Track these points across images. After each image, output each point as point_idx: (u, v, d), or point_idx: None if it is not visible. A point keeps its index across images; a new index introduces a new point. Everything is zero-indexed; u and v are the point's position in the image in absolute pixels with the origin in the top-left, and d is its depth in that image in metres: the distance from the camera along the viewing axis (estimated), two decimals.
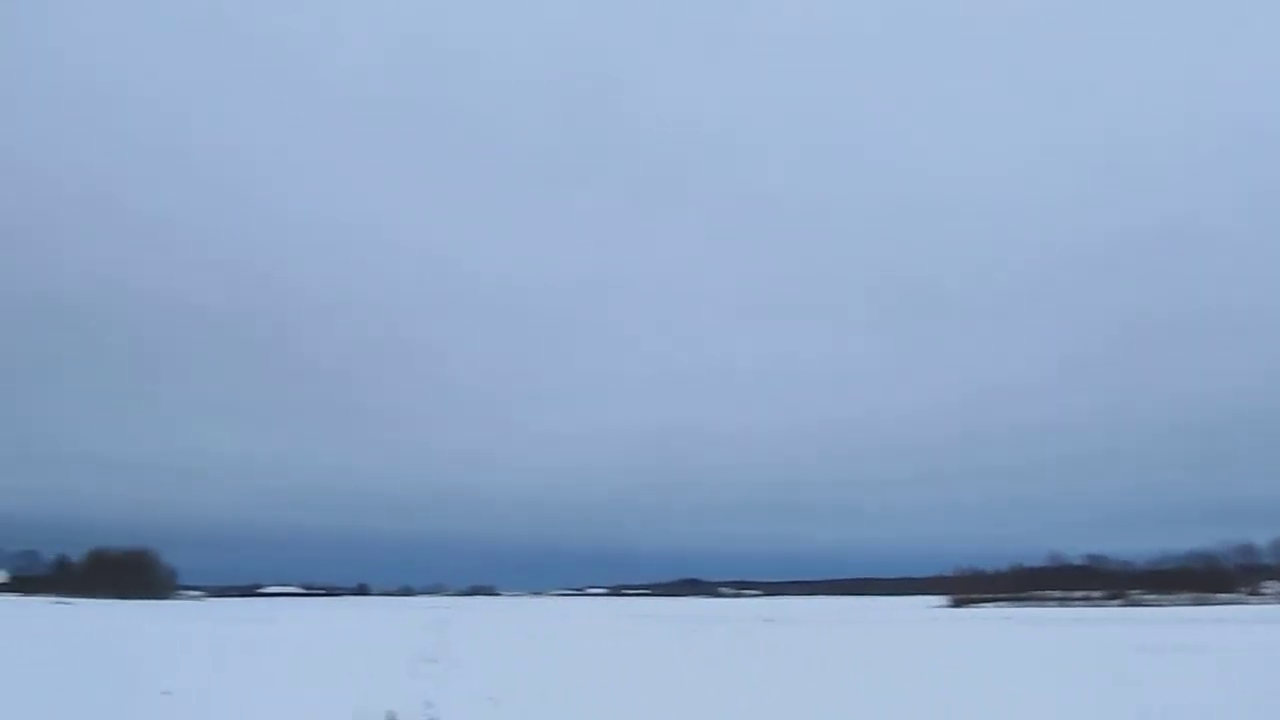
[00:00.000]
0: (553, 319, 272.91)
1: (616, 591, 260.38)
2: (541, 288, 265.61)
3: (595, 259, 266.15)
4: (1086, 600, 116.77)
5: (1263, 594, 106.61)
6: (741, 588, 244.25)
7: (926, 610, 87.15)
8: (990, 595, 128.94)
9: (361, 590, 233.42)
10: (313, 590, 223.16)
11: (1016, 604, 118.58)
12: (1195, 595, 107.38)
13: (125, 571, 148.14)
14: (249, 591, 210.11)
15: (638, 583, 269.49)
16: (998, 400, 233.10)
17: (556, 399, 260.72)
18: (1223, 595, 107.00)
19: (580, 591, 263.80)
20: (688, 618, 66.61)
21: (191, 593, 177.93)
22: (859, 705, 16.30)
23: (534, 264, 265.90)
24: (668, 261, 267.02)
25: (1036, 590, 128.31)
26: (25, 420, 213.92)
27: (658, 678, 21.21)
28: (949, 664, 25.09)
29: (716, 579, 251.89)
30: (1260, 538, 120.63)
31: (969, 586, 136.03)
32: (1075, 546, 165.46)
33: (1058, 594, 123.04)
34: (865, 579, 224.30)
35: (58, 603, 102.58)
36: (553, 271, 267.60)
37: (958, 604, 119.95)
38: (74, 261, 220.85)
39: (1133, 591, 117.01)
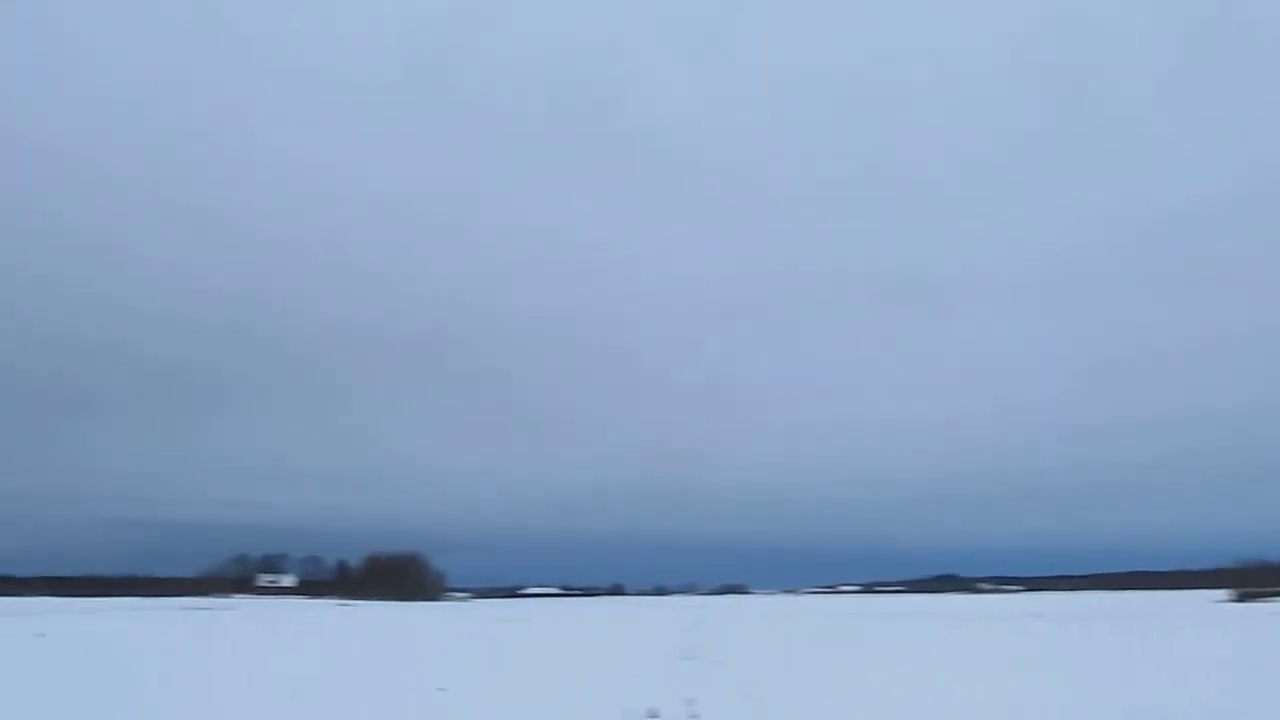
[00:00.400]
0: (779, 312, 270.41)
1: (870, 589, 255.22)
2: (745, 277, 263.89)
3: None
4: None
5: None
6: (1002, 583, 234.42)
7: (1210, 605, 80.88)
8: None
9: (616, 590, 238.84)
10: (570, 591, 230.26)
11: None
12: None
13: (398, 575, 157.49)
14: (511, 593, 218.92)
15: (892, 579, 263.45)
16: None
17: (802, 393, 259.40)
18: None
19: (833, 589, 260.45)
20: (945, 615, 64.50)
21: (458, 594, 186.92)
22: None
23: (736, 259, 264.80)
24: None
25: None
26: (312, 439, 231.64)
27: (918, 675, 20.60)
28: (1251, 661, 23.19)
29: (975, 574, 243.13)
30: None
31: (1256, 579, 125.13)
32: None
33: None
34: (1137, 572, 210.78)
35: (339, 604, 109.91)
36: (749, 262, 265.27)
37: (1243, 598, 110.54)
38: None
39: None
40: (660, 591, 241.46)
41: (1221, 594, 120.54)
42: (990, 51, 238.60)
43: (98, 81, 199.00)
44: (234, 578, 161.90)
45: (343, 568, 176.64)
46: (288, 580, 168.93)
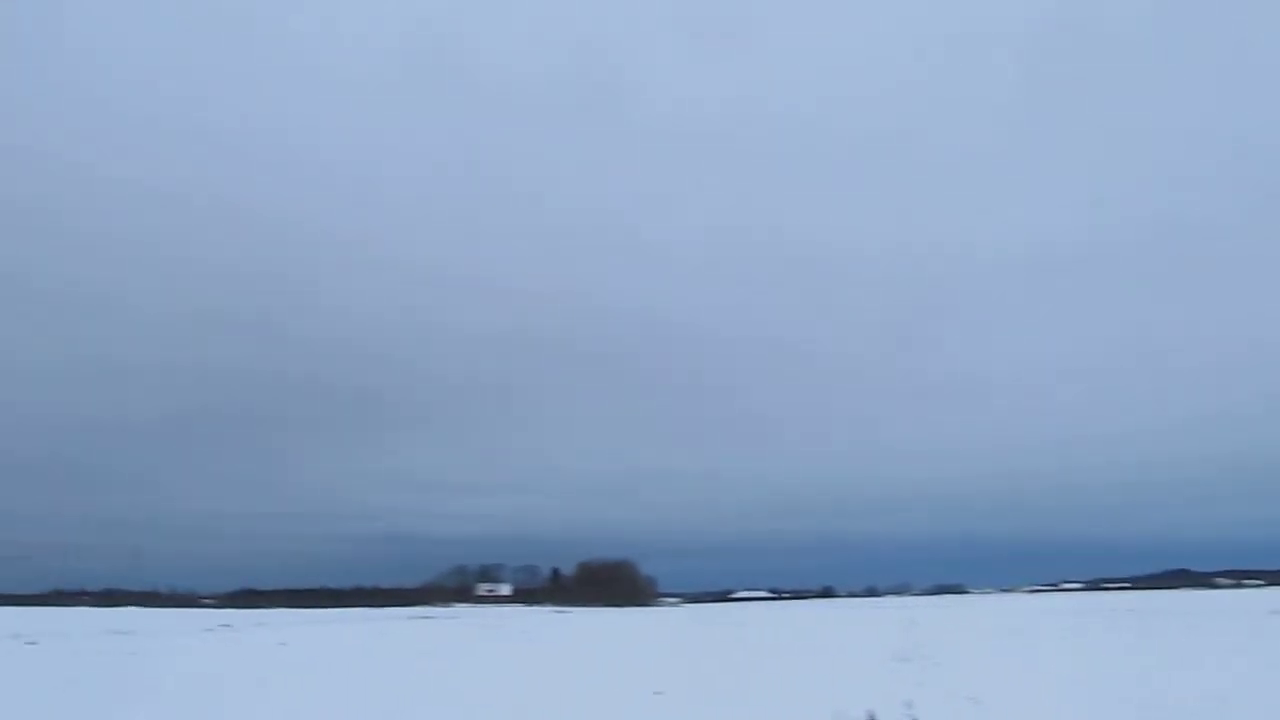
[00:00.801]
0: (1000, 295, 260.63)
1: (1095, 586, 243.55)
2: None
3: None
4: None
5: None
6: (1242, 577, 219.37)
7: None
8: None
9: (826, 592, 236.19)
10: (780, 594, 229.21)
11: None
12: None
13: (609, 581, 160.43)
14: (721, 597, 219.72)
15: (1119, 575, 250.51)
16: None
17: (1014, 383, 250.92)
18: None
19: (1055, 587, 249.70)
20: (1179, 612, 60.93)
21: (669, 599, 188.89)
22: None
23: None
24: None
25: None
26: (525, 453, 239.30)
27: (1145, 674, 19.63)
28: None
29: (1211, 569, 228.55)
30: None
31: None
32: None
33: None
34: None
35: (555, 611, 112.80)
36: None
37: None
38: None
39: None
40: (872, 592, 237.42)
41: None
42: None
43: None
44: (454, 587, 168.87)
45: (556, 575, 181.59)
46: (504, 589, 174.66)
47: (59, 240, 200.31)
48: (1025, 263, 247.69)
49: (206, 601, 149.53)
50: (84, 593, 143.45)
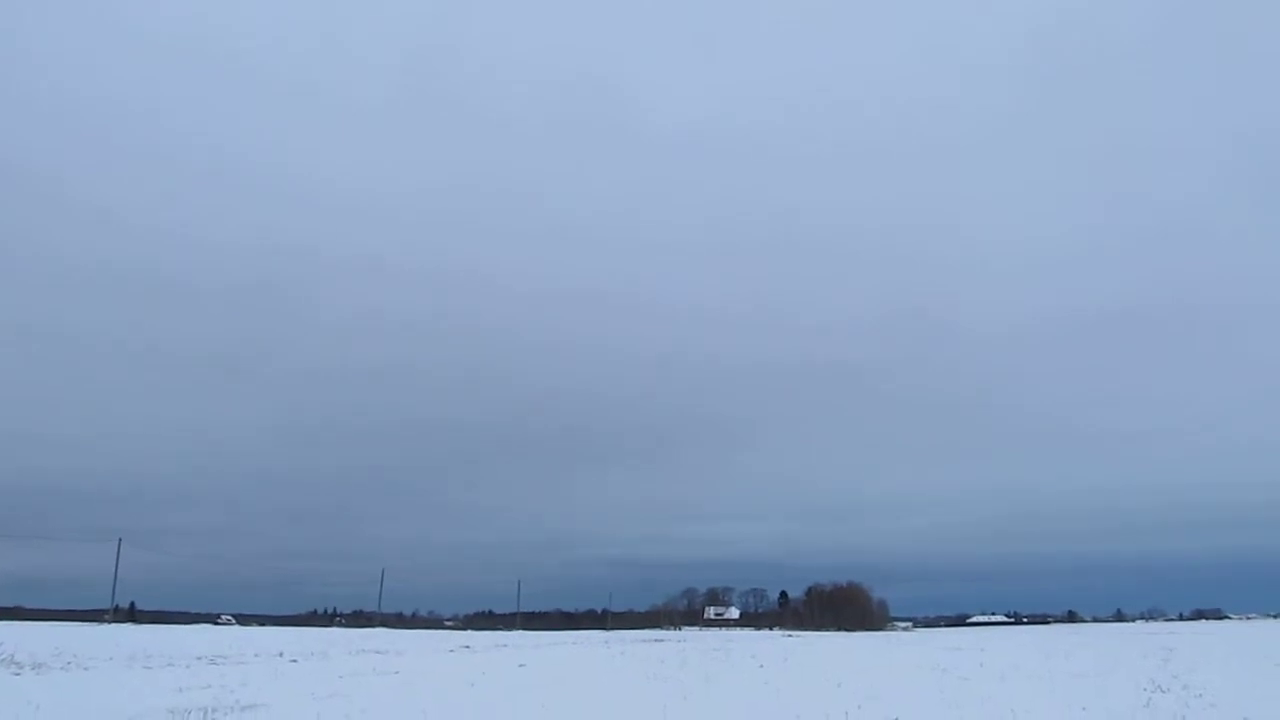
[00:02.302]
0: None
1: None
2: None
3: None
4: None
5: None
6: None
7: None
8: None
9: (1071, 617, 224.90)
10: (1019, 618, 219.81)
11: None
12: None
13: (840, 605, 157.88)
14: (957, 622, 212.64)
15: None
16: None
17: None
18: None
19: None
20: None
21: (901, 623, 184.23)
22: None
23: None
24: None
25: None
26: (754, 474, 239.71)
27: None
28: None
29: None
30: None
31: None
32: None
33: None
34: None
35: (785, 634, 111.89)
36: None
37: None
38: None
39: None
40: (1120, 617, 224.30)
41: None
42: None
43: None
44: (683, 611, 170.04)
45: (784, 599, 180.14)
46: (732, 612, 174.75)
47: (283, 317, 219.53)
48: None
49: (448, 623, 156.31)
50: (337, 614, 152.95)
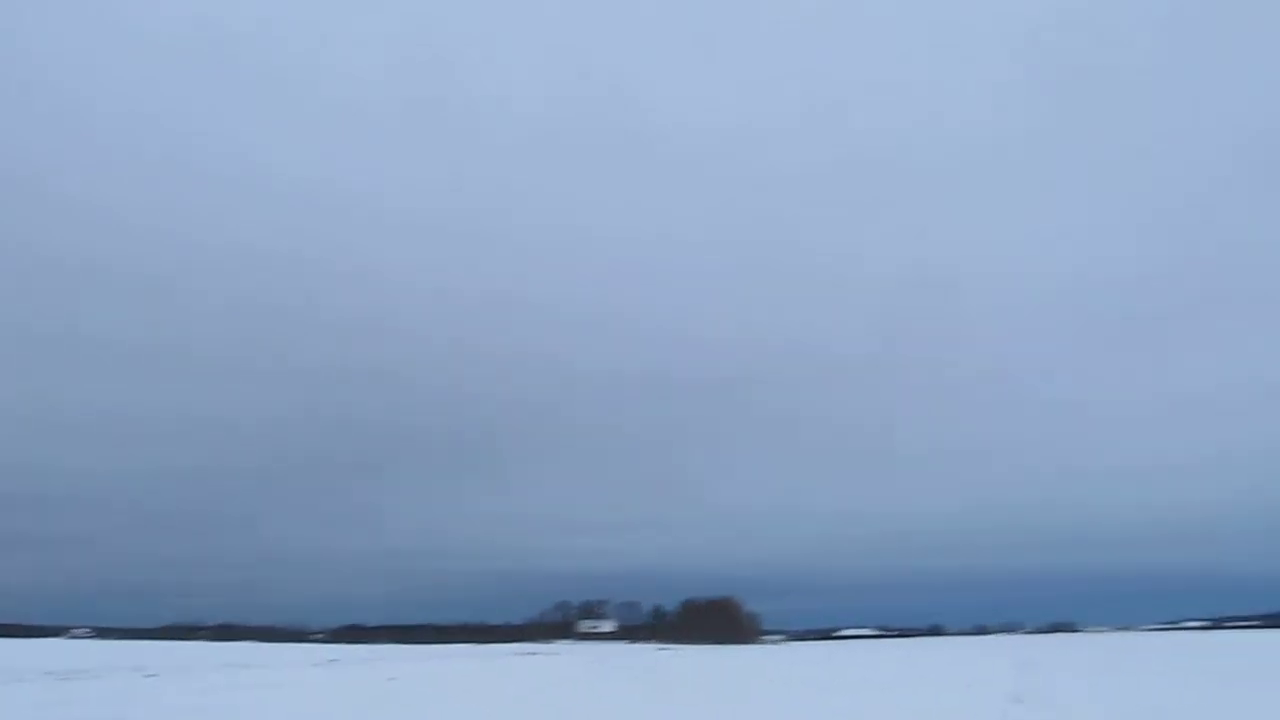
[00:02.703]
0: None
1: (1218, 624, 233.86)
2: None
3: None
4: None
5: None
6: None
7: None
8: None
9: (935, 630, 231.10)
10: (887, 632, 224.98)
11: None
12: None
13: (713, 618, 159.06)
14: (826, 634, 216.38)
15: (1244, 613, 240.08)
16: None
17: (1150, 419, 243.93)
18: None
19: (1174, 625, 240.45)
20: None
21: (773, 637, 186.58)
22: None
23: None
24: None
25: None
26: (626, 489, 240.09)
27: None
28: None
29: None
30: None
31: None
32: None
33: None
34: None
35: (659, 648, 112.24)
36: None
37: None
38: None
39: None
40: (981, 630, 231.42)
41: None
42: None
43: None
44: (557, 624, 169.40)
45: (658, 612, 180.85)
46: (607, 625, 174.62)
47: (157, 300, 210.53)
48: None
49: (316, 636, 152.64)
50: (201, 627, 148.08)
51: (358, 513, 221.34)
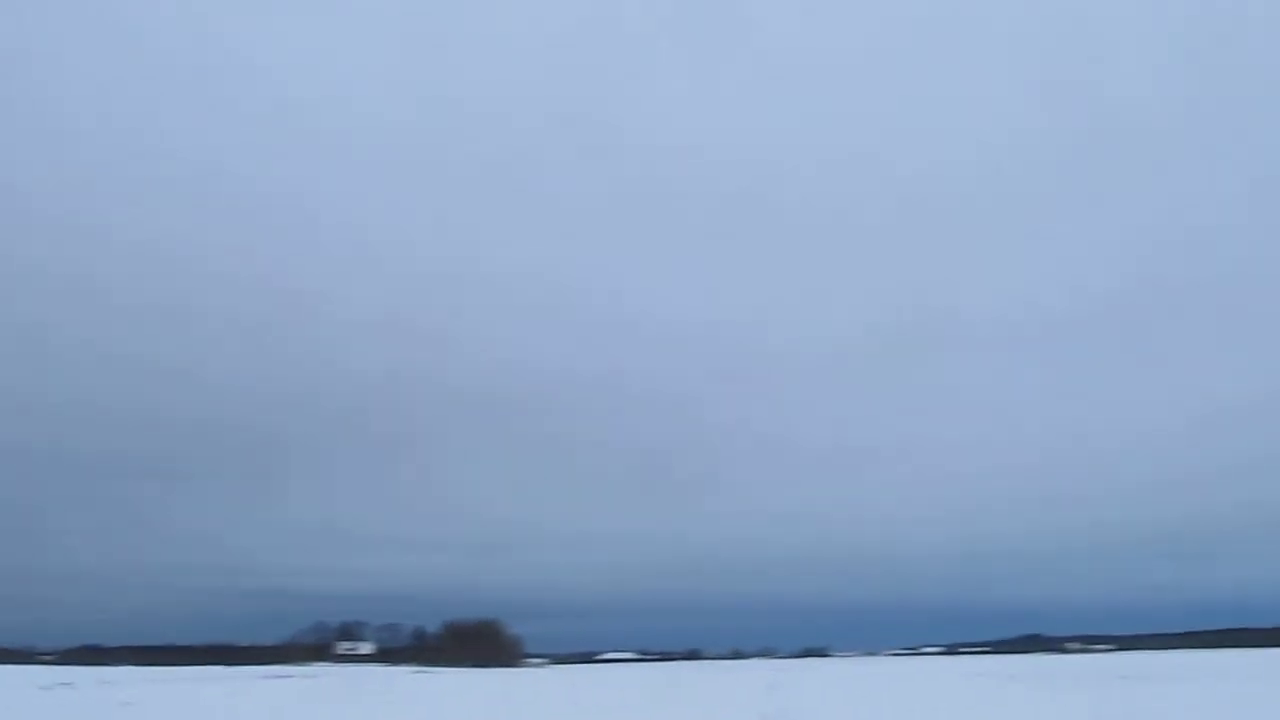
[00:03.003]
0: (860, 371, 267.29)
1: (953, 650, 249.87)
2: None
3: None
4: None
5: None
6: (1090, 642, 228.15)
7: None
8: None
9: (693, 654, 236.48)
10: (647, 655, 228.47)
11: None
12: None
13: (476, 641, 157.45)
14: (588, 658, 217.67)
15: (976, 640, 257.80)
16: None
17: (880, 455, 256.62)
18: None
19: (915, 651, 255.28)
20: (1030, 676, 62.96)
21: (536, 660, 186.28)
22: None
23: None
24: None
25: None
26: (389, 507, 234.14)
27: None
28: None
29: (1062, 634, 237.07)
30: None
31: None
32: None
33: None
34: (1234, 629, 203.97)
35: (417, 671, 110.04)
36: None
37: None
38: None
39: None
40: (738, 655, 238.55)
41: None
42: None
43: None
44: (313, 645, 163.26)
45: (420, 634, 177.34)
46: (365, 647, 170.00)
47: None
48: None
49: (45, 658, 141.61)
50: None
51: (90, 524, 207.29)
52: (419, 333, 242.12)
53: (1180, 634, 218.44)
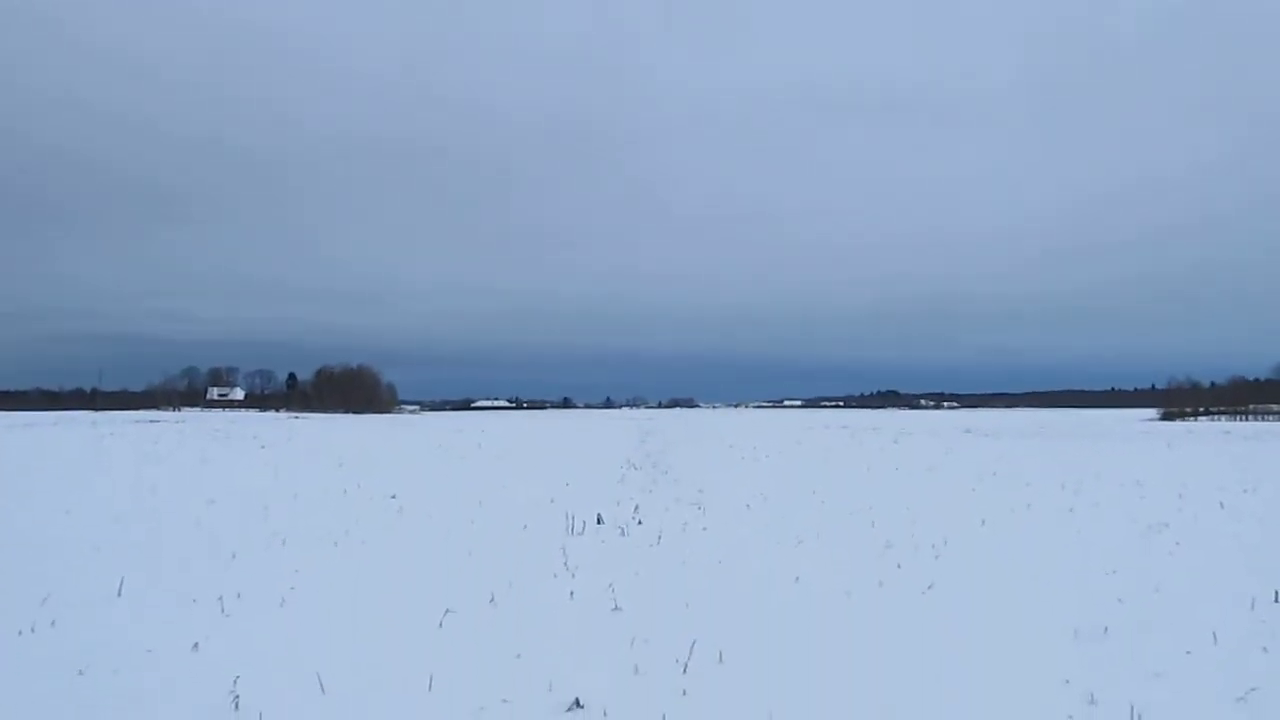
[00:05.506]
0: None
1: (814, 404, 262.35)
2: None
3: None
4: None
5: None
6: (942, 400, 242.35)
7: (1137, 424, 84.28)
8: (1206, 409, 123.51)
9: (566, 403, 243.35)
10: (520, 403, 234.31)
11: (1235, 418, 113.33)
12: None
13: (349, 388, 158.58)
14: (462, 406, 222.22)
15: (836, 395, 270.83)
16: (1209, 189, 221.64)
17: (754, 221, 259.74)
18: None
19: (778, 404, 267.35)
20: (879, 427, 67.04)
21: (409, 407, 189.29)
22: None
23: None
24: None
25: (1258, 404, 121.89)
26: (266, 253, 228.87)
27: (843, 481, 21.50)
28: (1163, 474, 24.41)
29: (916, 391, 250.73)
30: None
31: (1182, 399, 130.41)
32: None
33: None
34: (1071, 391, 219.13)
35: (291, 416, 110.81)
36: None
37: (1168, 417, 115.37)
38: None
39: None
40: (608, 405, 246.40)
41: (1148, 413, 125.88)
42: None
43: None
44: (183, 391, 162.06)
45: (293, 381, 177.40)
46: (237, 393, 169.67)
47: None
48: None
49: None
50: None
51: None
52: (331, 69, 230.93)
53: (1024, 394, 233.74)
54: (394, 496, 18.50)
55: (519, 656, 6.93)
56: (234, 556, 11.18)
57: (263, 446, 38.15)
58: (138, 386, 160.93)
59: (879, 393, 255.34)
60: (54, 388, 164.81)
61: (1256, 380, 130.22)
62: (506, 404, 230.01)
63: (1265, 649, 7.21)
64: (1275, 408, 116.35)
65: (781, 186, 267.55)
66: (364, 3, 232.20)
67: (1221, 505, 17.14)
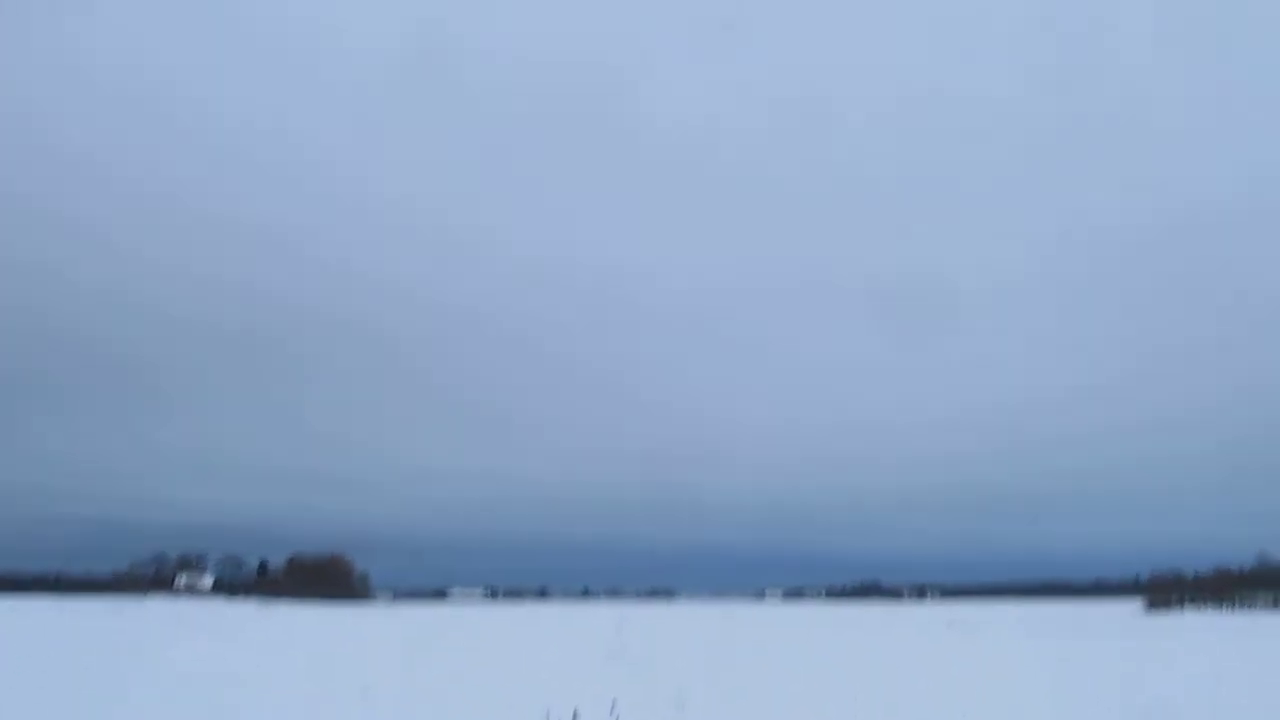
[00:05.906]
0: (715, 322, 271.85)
1: (795, 595, 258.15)
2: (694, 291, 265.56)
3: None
4: None
5: None
6: (923, 591, 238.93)
7: (1122, 618, 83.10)
8: (1191, 599, 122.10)
9: (542, 593, 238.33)
10: (496, 592, 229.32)
11: (1221, 609, 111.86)
12: None
13: (321, 576, 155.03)
14: (437, 595, 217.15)
15: (818, 584, 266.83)
16: (1199, 387, 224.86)
17: (737, 402, 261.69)
18: None
19: (759, 595, 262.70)
20: (865, 623, 65.72)
21: (383, 596, 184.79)
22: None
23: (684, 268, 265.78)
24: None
25: (1243, 593, 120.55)
26: (240, 437, 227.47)
27: (836, 680, 20.77)
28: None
29: (898, 582, 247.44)
30: None
31: (1167, 590, 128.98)
32: None
33: (1268, 597, 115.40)
34: (1055, 582, 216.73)
35: (259, 607, 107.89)
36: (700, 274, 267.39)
37: (1153, 607, 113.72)
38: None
39: None
40: (585, 595, 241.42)
41: (1133, 605, 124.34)
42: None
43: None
44: (150, 577, 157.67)
45: (264, 568, 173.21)
46: (206, 580, 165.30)
47: None
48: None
49: None
50: None
51: None
52: (307, 258, 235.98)
53: (1007, 585, 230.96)
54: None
55: None
56: None
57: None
58: (105, 571, 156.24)
59: (861, 584, 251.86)
60: (15, 571, 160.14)
61: (1240, 571, 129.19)
62: (483, 592, 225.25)
63: None
64: (1263, 597, 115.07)
65: (752, 375, 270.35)
66: (335, 198, 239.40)
67: None
